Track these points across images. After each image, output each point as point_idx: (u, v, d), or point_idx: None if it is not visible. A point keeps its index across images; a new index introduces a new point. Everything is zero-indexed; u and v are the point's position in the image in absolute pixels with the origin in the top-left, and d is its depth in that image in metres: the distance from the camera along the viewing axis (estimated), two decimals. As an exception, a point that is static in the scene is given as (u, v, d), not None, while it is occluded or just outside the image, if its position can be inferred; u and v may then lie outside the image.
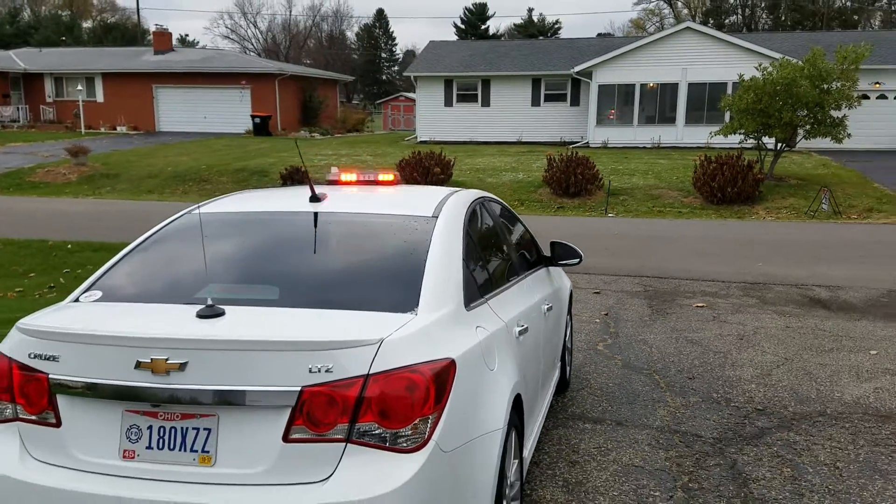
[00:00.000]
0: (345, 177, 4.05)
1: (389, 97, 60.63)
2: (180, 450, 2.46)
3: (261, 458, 2.41)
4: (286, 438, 2.40)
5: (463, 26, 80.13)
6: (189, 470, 2.44)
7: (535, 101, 30.63)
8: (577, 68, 27.85)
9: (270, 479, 2.39)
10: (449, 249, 3.13)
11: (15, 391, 2.62)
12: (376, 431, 2.40)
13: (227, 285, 2.94)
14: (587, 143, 28.01)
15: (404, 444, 2.41)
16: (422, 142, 31.45)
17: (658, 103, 27.75)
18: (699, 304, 8.56)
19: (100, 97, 38.12)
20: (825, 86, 17.49)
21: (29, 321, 2.72)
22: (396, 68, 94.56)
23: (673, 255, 11.70)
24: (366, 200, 3.74)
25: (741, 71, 20.07)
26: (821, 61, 17.34)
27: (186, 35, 78.13)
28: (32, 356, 2.59)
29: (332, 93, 45.47)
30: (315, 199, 3.49)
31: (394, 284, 2.92)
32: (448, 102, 31.78)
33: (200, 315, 2.59)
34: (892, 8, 73.63)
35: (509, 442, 3.01)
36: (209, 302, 2.63)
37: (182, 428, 2.47)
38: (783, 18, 72.49)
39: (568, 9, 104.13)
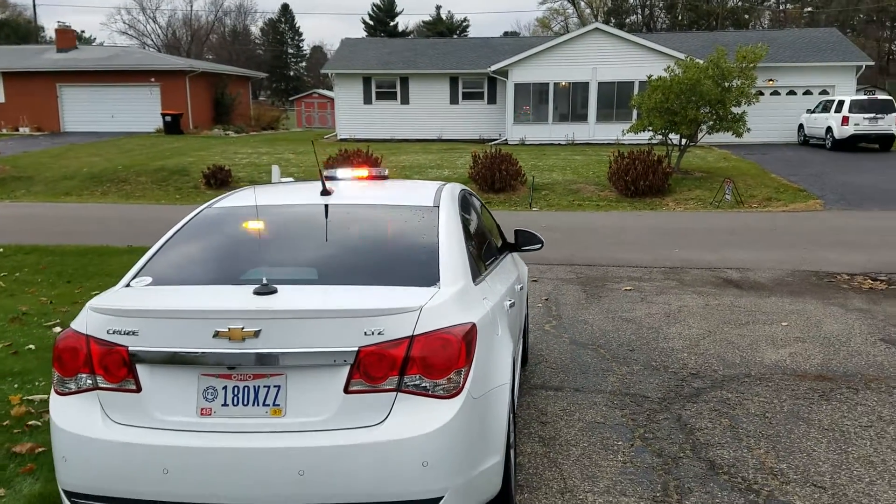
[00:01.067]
0: (341, 173, 4.50)
1: (303, 94, 60.21)
2: (253, 405, 2.90)
3: (325, 408, 2.88)
4: (346, 390, 2.87)
5: (371, 23, 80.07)
6: (262, 421, 2.88)
7: (454, 99, 31.35)
8: (494, 67, 28.70)
9: (334, 425, 2.86)
10: (454, 234, 3.65)
11: (94, 364, 2.98)
12: (420, 383, 2.91)
13: (269, 268, 3.35)
14: (505, 140, 28.91)
15: (443, 392, 2.93)
16: (342, 139, 31.65)
17: (571, 102, 28.93)
18: (627, 288, 9.32)
19: (0, 97, 36.55)
20: (726, 84, 18.83)
21: (103, 302, 3.09)
22: (304, 64, 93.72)
23: (598, 244, 12.52)
24: (368, 193, 4.21)
25: (647, 70, 21.34)
26: (723, 61, 18.66)
27: (83, 31, 75.05)
28: (111, 332, 2.97)
29: (245, 90, 44.93)
30: (326, 192, 3.94)
31: (415, 264, 3.42)
32: (367, 100, 32.11)
33: (257, 292, 3.02)
34: (780, 7, 78.09)
35: (512, 395, 3.56)
36: (264, 281, 3.06)
37: (255, 386, 2.90)
38: (680, 18, 75.81)
39: (475, 7, 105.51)
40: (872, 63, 32.32)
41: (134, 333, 2.93)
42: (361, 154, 20.13)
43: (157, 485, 2.84)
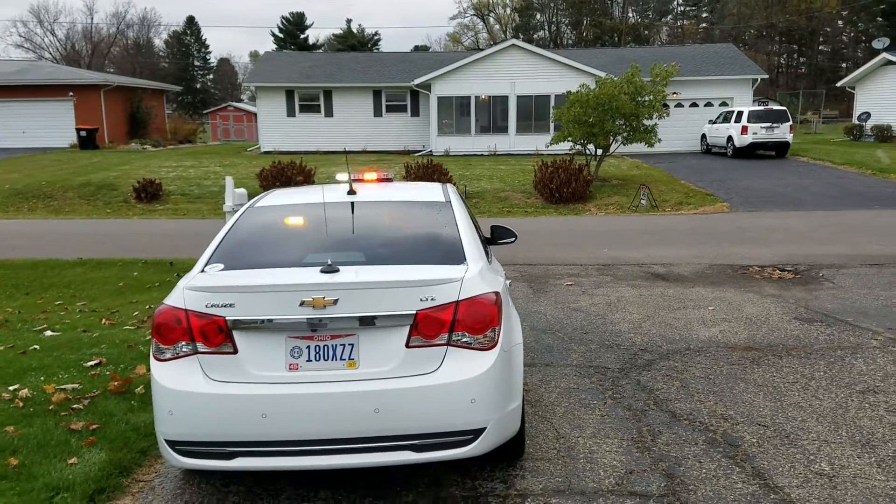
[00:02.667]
0: (355, 176, 5.16)
1: (218, 107, 59.51)
2: (332, 360, 3.56)
3: (391, 360, 3.56)
4: (407, 346, 3.57)
5: (281, 35, 79.75)
6: (340, 373, 3.54)
7: (378, 112, 32.02)
8: (417, 81, 29.54)
9: (398, 374, 3.55)
10: (468, 224, 4.40)
11: (194, 333, 3.57)
12: (465, 338, 3.63)
13: (324, 253, 3.99)
14: (430, 151, 29.76)
15: (483, 345, 3.66)
16: (265, 152, 31.82)
17: (491, 114, 30.06)
18: (569, 283, 10.23)
19: None
20: (640, 99, 20.23)
21: (198, 282, 3.68)
22: (212, 77, 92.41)
23: (534, 246, 13.44)
24: (385, 192, 4.90)
25: (562, 84, 22.68)
26: (637, 77, 20.04)
27: (-27, 45, 71.85)
28: (209, 306, 3.57)
29: (159, 103, 44.34)
30: (352, 191, 4.61)
31: (442, 247, 4.13)
32: (291, 113, 32.40)
33: (324, 271, 3.67)
34: (678, 23, 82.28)
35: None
36: (329, 262, 3.71)
37: (333, 345, 3.56)
38: (585, 34, 79.00)
39: (385, 21, 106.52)
40: (767, 76, 34.87)
41: (231, 306, 3.54)
42: (295, 166, 20.54)
43: (259, 427, 3.45)
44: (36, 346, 6.64)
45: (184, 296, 3.66)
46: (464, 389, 3.56)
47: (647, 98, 20.20)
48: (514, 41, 31.38)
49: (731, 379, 5.90)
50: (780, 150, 26.88)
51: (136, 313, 8.78)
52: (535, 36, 78.54)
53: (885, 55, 33.00)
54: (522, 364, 4.08)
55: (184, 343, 3.60)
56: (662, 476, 4.17)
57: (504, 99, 29.69)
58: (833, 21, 71.01)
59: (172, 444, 3.58)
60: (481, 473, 4.23)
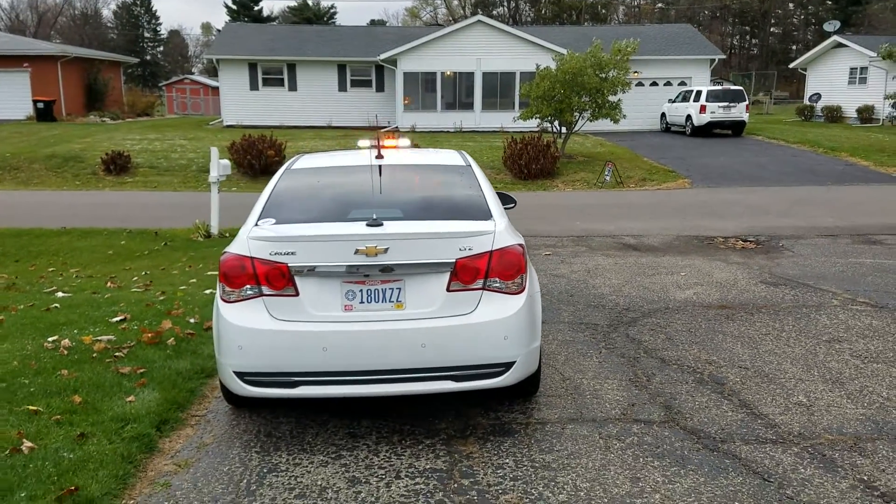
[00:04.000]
0: (366, 143, 5.57)
1: (174, 80, 58.58)
2: (382, 301, 4.01)
3: (433, 302, 4.03)
4: (448, 290, 4.04)
5: (234, 7, 78.09)
6: (389, 313, 4.00)
7: (342, 87, 32.10)
8: (383, 56, 29.70)
9: (439, 314, 4.02)
10: (489, 186, 4.87)
11: (259, 278, 3.98)
12: (497, 284, 4.11)
13: (364, 210, 4.40)
14: (396, 127, 30.02)
15: (513, 290, 4.15)
16: (228, 126, 31.71)
17: (457, 91, 30.41)
18: (547, 253, 10.77)
19: None
20: (603, 74, 20.83)
21: (262, 234, 4.09)
22: (162, 49, 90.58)
23: (510, 219, 13.96)
24: (409, 156, 5.33)
25: (527, 62, 23.10)
26: (600, 53, 20.63)
27: None
28: (272, 254, 3.98)
29: (116, 75, 43.55)
30: (380, 156, 5.02)
31: (469, 206, 4.59)
32: (254, 86, 32.27)
33: (370, 225, 4.10)
34: (634, 2, 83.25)
35: None
36: (374, 216, 4.14)
37: (382, 289, 4.01)
38: (543, 12, 79.48)
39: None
40: (724, 56, 35.85)
41: (293, 254, 3.96)
42: (265, 140, 20.68)
43: (319, 360, 3.91)
44: (56, 305, 6.93)
45: (248, 245, 4.06)
46: (497, 328, 4.05)
47: (611, 73, 20.80)
48: (480, 17, 31.65)
49: (710, 332, 6.50)
50: (736, 128, 27.84)
51: (135, 278, 9.06)
52: (494, 12, 78.66)
53: (835, 37, 34.23)
54: (541, 310, 4.58)
55: (249, 287, 4.01)
56: (661, 407, 4.73)
57: (470, 75, 30.05)
58: (784, 3, 72.81)
59: (241, 375, 4.00)
60: (502, 407, 4.74)
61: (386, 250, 3.96)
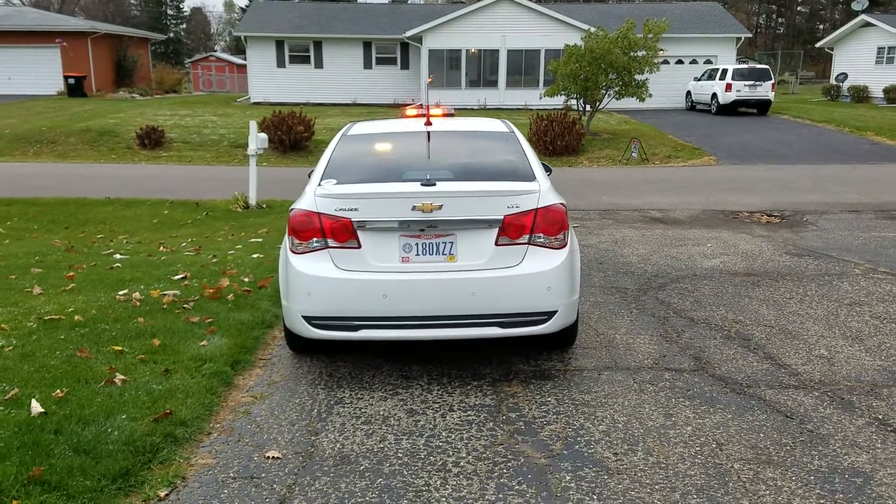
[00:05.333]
0: (410, 111, 5.93)
1: (199, 57, 59.12)
2: (436, 254, 4.39)
3: (482, 255, 4.40)
4: (496, 244, 4.40)
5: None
6: (442, 265, 4.38)
7: (368, 64, 32.38)
8: (409, 33, 29.93)
9: (489, 266, 4.39)
10: (532, 151, 5.21)
11: (326, 231, 4.37)
12: (542, 239, 4.47)
13: (417, 171, 4.77)
14: (420, 104, 30.26)
15: (555, 245, 4.50)
16: (255, 103, 32.15)
17: (481, 68, 30.60)
18: (574, 225, 11.06)
19: None
20: (633, 53, 20.97)
21: (328, 191, 4.47)
22: (184, 26, 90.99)
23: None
24: (455, 124, 5.68)
25: (552, 39, 23.26)
26: (631, 33, 20.76)
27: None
28: (338, 209, 4.37)
29: (145, 52, 44.12)
30: (429, 122, 5.38)
31: (514, 167, 4.94)
32: (281, 64, 32.63)
33: (424, 184, 4.47)
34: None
35: None
36: (428, 177, 4.51)
37: (436, 242, 4.38)
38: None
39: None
40: (751, 35, 35.65)
41: (355, 210, 4.35)
42: (295, 116, 21.06)
43: (380, 306, 4.30)
44: (118, 265, 7.40)
45: (315, 202, 4.45)
46: (541, 279, 4.42)
47: (640, 53, 20.93)
48: (506, -6, 31.75)
49: (737, 296, 6.83)
50: (762, 107, 27.84)
51: (183, 244, 9.51)
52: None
53: (863, 17, 33.95)
54: (580, 266, 4.94)
55: (316, 239, 4.41)
56: (691, 358, 5.09)
57: (494, 53, 30.22)
58: (812, -18, 71.79)
59: (308, 319, 4.41)
60: (541, 356, 5.12)
61: (440, 207, 4.32)
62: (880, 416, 4.12)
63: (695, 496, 3.32)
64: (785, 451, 3.73)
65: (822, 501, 3.27)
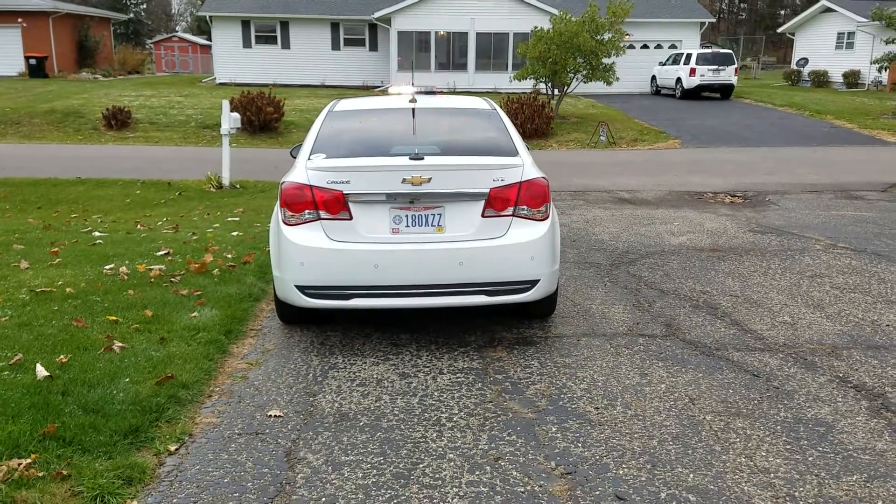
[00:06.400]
0: (397, 90, 6.09)
1: (162, 38, 58.15)
2: (425, 225, 4.58)
3: (469, 227, 4.61)
4: (482, 216, 4.61)
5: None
6: (431, 236, 4.58)
7: (336, 45, 32.26)
8: (377, 14, 29.87)
9: (476, 237, 4.61)
10: (513, 127, 5.42)
11: (318, 203, 4.54)
12: (525, 211, 4.68)
13: (406, 146, 4.94)
14: (389, 87, 30.30)
15: (539, 217, 4.73)
16: (221, 84, 31.88)
17: (451, 51, 30.68)
18: (546, 203, 11.35)
19: None
20: (599, 37, 21.26)
21: (319, 164, 4.63)
22: (145, 6, 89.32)
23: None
24: (439, 101, 5.86)
25: (521, 22, 23.43)
26: (597, 16, 21.03)
27: None
28: (329, 182, 4.54)
29: (107, 32, 43.40)
30: (413, 100, 5.55)
31: (498, 143, 5.14)
32: (247, 44, 32.36)
33: (412, 158, 4.65)
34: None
35: None
36: (416, 151, 4.69)
37: (425, 214, 4.58)
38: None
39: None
40: (714, 20, 36.19)
41: (347, 182, 4.52)
42: (264, 97, 20.97)
43: (371, 275, 4.49)
44: (99, 241, 7.46)
45: (307, 174, 4.60)
46: (525, 249, 4.64)
47: (606, 36, 21.23)
48: (474, -23, 31.80)
49: (703, 269, 7.14)
50: (725, 91, 28.40)
51: (159, 223, 9.56)
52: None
53: (823, 2, 34.67)
54: (559, 238, 5.17)
55: (308, 211, 4.57)
56: (662, 325, 5.37)
57: (463, 35, 30.31)
58: (774, -31, 72.85)
59: (302, 288, 4.58)
60: (522, 324, 5.36)
61: (429, 180, 4.51)
62: (841, 374, 4.43)
63: (671, 443, 3.59)
64: (753, 405, 4.02)
65: (788, 446, 3.56)
